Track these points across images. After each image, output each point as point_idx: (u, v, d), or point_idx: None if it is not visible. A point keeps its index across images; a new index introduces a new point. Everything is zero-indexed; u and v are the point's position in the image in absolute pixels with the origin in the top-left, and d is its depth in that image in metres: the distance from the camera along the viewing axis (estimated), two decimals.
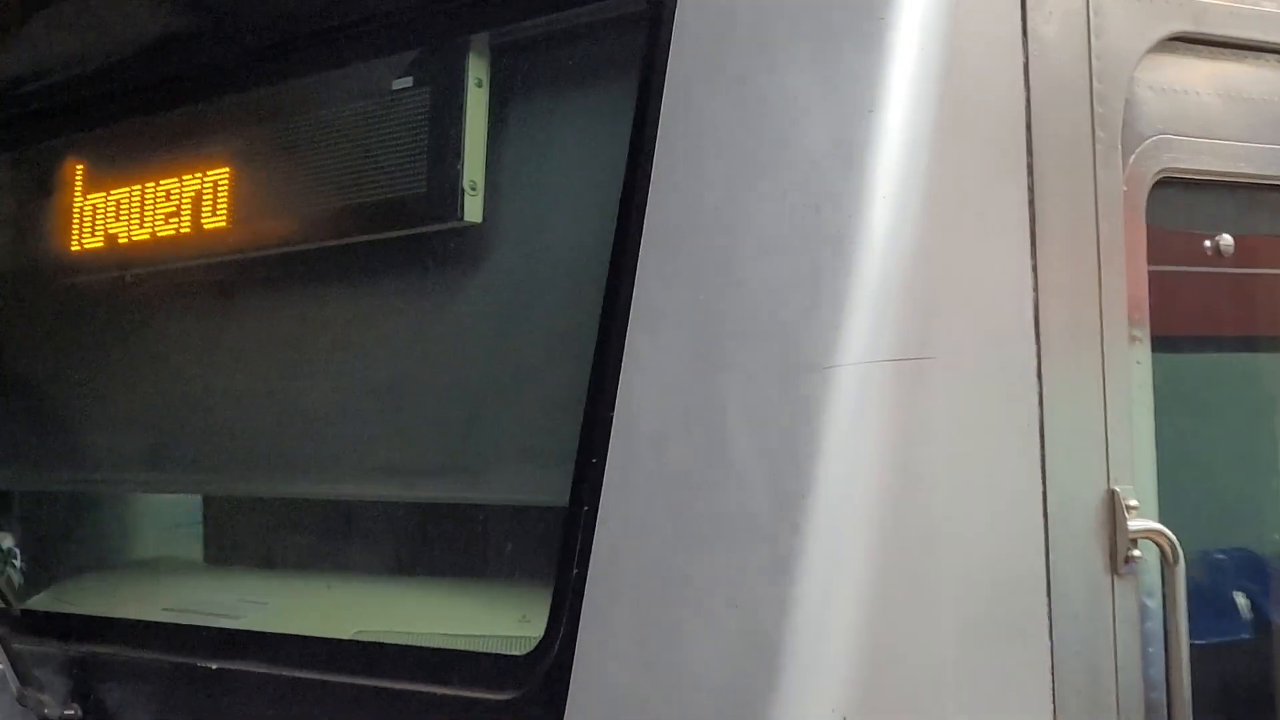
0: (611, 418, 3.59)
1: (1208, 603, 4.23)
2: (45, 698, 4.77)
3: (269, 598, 4.86)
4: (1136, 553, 3.71)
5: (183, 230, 4.92)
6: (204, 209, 4.87)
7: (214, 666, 4.42)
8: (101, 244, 5.18)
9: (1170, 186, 3.98)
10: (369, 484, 4.69)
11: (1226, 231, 4.24)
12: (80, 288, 5.43)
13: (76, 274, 5.41)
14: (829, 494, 3.28)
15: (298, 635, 4.35)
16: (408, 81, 4.45)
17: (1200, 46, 4.08)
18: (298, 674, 4.18)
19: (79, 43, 5.25)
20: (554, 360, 4.18)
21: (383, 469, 4.60)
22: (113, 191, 5.14)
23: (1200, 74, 4.09)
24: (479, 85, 4.34)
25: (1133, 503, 3.70)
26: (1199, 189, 4.12)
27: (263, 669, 4.28)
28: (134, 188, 5.07)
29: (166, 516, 5.96)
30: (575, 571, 3.58)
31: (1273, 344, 4.41)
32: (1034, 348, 3.57)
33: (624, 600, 3.50)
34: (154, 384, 5.19)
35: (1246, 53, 4.19)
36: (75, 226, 5.30)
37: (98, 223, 5.18)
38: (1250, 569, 4.52)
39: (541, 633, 3.68)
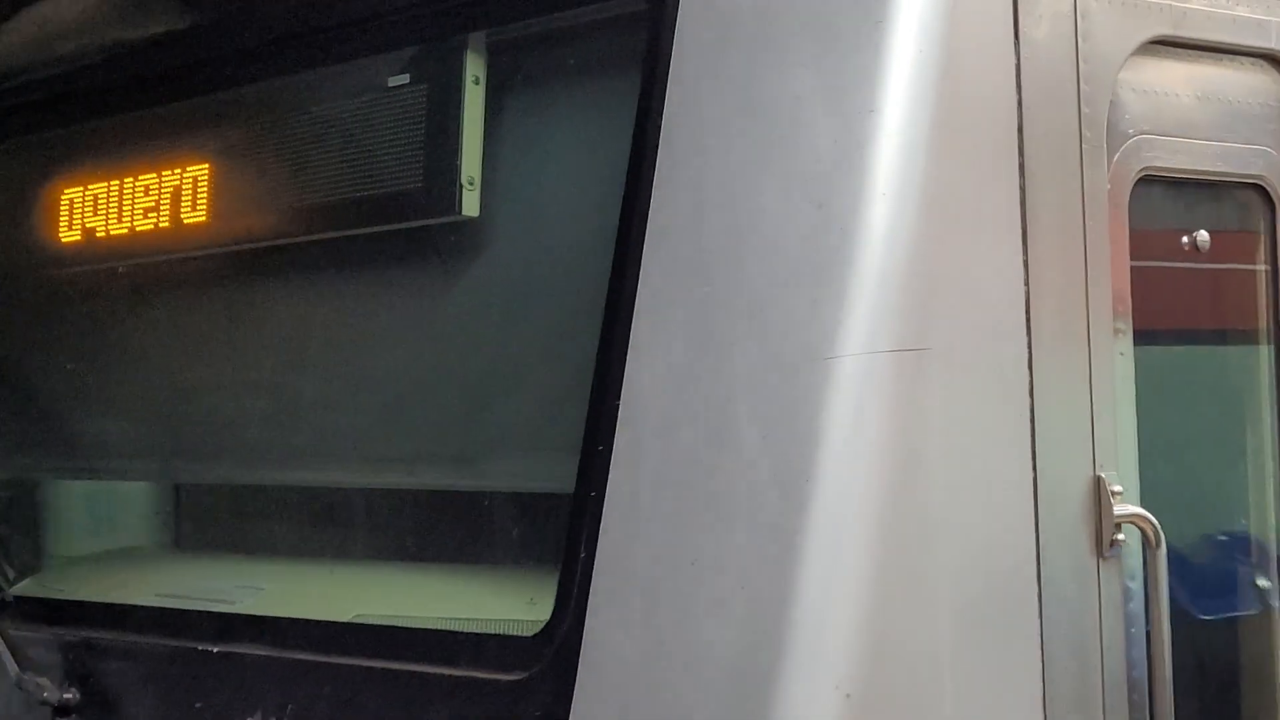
0: (618, 407, 3.68)
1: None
2: (44, 681, 4.81)
3: (281, 583, 4.91)
4: (1120, 536, 3.84)
5: (182, 224, 4.97)
6: (203, 205, 4.92)
7: (215, 650, 4.49)
8: (102, 237, 5.22)
9: (1151, 184, 4.12)
10: (377, 473, 4.76)
11: (1203, 228, 4.38)
12: (76, 279, 5.46)
13: (67, 265, 5.44)
14: (832, 478, 3.38)
15: (312, 620, 4.41)
16: (406, 78, 4.52)
17: (1179, 50, 4.21)
18: (310, 657, 4.25)
19: (81, 37, 5.27)
20: (545, 352, 4.27)
21: (388, 459, 4.67)
22: (115, 183, 5.19)
23: (1179, 76, 4.23)
24: (476, 82, 4.41)
25: (1117, 488, 3.83)
26: (1178, 186, 4.26)
27: (273, 652, 4.34)
28: (132, 183, 5.11)
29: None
30: (583, 555, 3.66)
31: (1246, 336, 4.52)
32: (1025, 340, 3.69)
33: (632, 583, 3.58)
34: (166, 375, 5.23)
35: (1222, 55, 4.33)
36: (64, 218, 5.34)
37: (97, 214, 5.22)
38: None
39: (549, 615, 3.77)
